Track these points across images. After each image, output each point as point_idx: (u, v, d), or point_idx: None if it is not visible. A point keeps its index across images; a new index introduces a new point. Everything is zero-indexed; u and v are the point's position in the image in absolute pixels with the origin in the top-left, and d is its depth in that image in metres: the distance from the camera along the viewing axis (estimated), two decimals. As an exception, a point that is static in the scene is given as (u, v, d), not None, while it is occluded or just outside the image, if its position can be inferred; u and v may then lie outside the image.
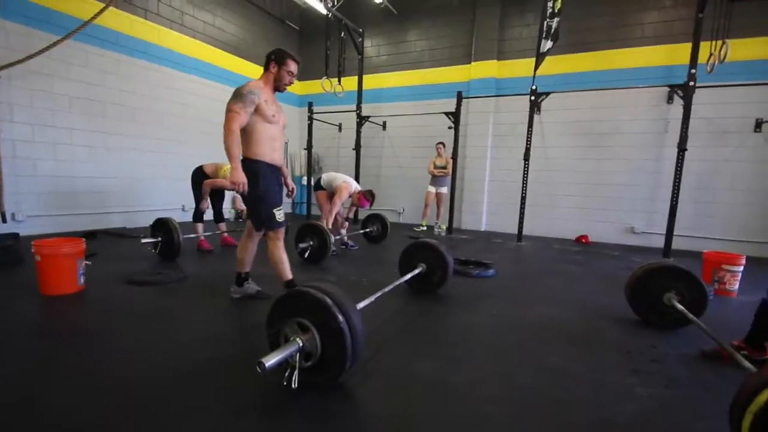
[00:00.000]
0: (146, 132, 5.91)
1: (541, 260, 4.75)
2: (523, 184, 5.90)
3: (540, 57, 5.37)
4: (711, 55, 4.34)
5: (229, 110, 2.30)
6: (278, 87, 2.49)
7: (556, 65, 6.44)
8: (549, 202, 6.75)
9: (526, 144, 5.78)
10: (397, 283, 2.62)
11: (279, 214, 2.48)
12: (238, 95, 2.31)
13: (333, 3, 6.19)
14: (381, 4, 7.23)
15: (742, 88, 5.25)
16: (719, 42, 4.25)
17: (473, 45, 7.11)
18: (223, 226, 4.72)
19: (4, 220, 4.41)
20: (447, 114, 6.45)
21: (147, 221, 5.80)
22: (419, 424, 1.45)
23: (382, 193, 8.21)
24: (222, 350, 1.96)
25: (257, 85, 2.39)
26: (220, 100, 6.95)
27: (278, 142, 2.51)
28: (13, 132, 4.52)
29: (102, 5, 4.47)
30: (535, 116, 6.49)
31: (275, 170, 2.54)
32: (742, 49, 5.46)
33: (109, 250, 4.18)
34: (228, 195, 4.65)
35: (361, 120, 7.20)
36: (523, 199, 5.93)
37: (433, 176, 6.60)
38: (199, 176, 4.36)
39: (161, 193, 6.13)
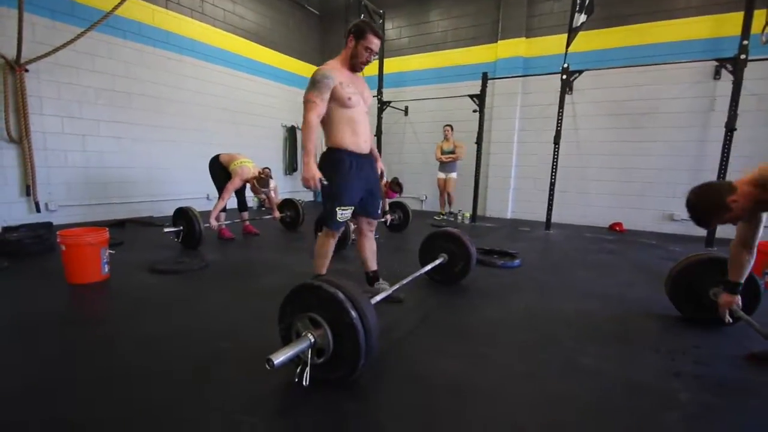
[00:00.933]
0: (170, 122, 5.98)
1: (571, 250, 4.52)
2: (553, 169, 5.61)
3: (573, 32, 5.02)
4: (766, 24, 3.91)
5: (306, 101, 2.08)
6: (354, 65, 2.17)
7: (589, 41, 6.02)
8: (580, 188, 6.42)
9: (557, 126, 5.47)
10: (416, 275, 2.52)
11: (341, 213, 2.23)
12: (313, 82, 2.07)
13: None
14: (402, -17, 6.95)
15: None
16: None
17: (500, 22, 6.75)
18: (245, 214, 4.74)
19: (38, 210, 4.59)
20: (471, 97, 6.18)
21: (173, 210, 5.95)
22: (439, 428, 1.35)
23: (404, 180, 8.02)
24: (239, 342, 1.93)
25: (332, 66, 2.13)
26: (241, 88, 7.05)
27: (361, 125, 2.23)
28: (44, 124, 4.66)
29: (123, -5, 4.49)
30: (567, 97, 6.14)
31: (361, 159, 2.27)
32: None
33: (136, 239, 4.28)
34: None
35: (383, 105, 7.03)
36: (552, 185, 5.65)
37: (441, 162, 6.29)
38: (215, 166, 4.36)
39: (186, 182, 6.23)
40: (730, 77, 4.56)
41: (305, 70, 8.53)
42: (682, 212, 5.69)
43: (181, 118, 6.14)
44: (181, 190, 6.17)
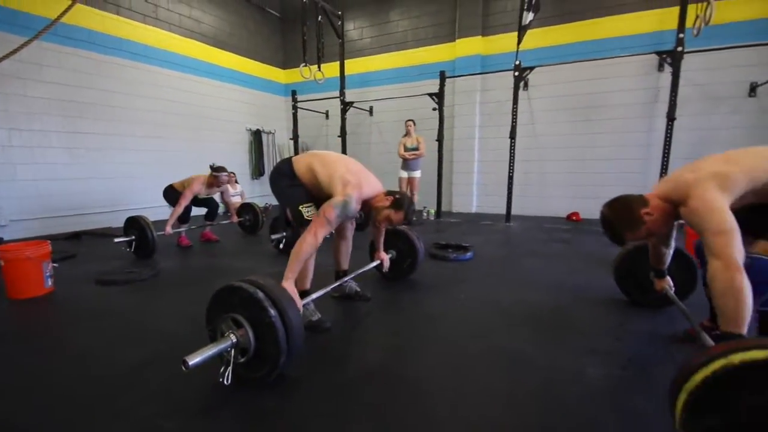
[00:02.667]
0: (126, 130, 5.87)
1: (526, 240, 4.68)
2: (510, 163, 5.77)
3: (522, 30, 5.17)
4: (697, 17, 4.14)
5: (324, 216, 1.93)
6: (369, 219, 2.32)
7: (541, 38, 6.23)
8: (539, 181, 6.63)
9: (512, 122, 5.63)
10: (359, 271, 2.58)
11: (307, 211, 2.15)
12: (345, 210, 1.97)
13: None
14: (360, -16, 7.00)
15: (735, 51, 5.02)
16: (704, 3, 4.03)
17: (457, 21, 6.89)
18: (184, 227, 4.53)
19: (-13, 226, 4.45)
20: (431, 95, 6.29)
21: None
22: (358, 420, 1.42)
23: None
24: (174, 347, 1.95)
25: (358, 208, 2.10)
26: (200, 93, 6.97)
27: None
28: (-11, 137, 4.52)
29: (68, 3, 4.39)
30: (523, 92, 6.33)
31: None
32: (732, 9, 5.23)
33: (90, 251, 4.20)
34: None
35: (345, 106, 7.07)
36: (511, 178, 5.81)
37: (405, 160, 5.92)
38: (170, 194, 4.31)
39: (146, 190, 6.12)
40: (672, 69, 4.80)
41: (268, 72, 8.50)
42: (635, 200, 5.96)
43: (139, 126, 6.03)
44: (142, 199, 6.07)
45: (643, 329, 2.13)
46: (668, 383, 1.60)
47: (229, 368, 1.50)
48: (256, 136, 8.13)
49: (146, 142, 6.15)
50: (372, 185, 2.20)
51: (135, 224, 3.77)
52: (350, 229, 2.53)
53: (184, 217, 4.34)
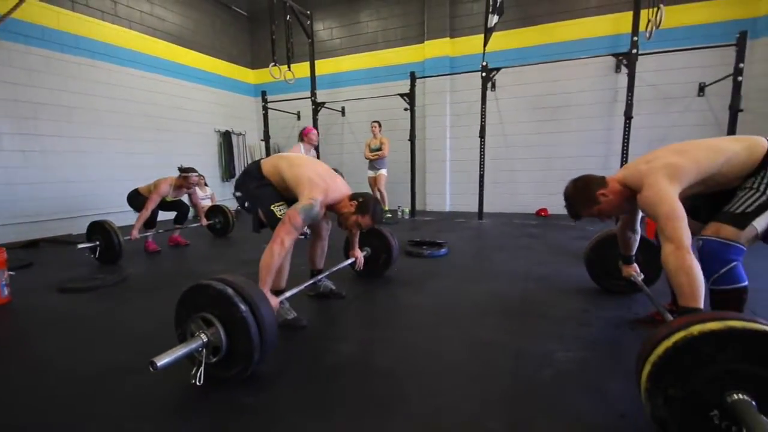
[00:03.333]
0: (85, 131, 5.59)
1: (497, 236, 4.81)
2: (481, 161, 5.92)
3: (488, 32, 5.32)
4: (649, 21, 4.40)
5: (290, 222, 1.89)
6: (341, 223, 2.26)
7: (506, 41, 6.43)
8: (509, 178, 6.83)
9: (481, 121, 5.78)
10: (334, 269, 2.59)
11: (279, 211, 2.10)
12: (310, 214, 1.95)
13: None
14: (329, -16, 6.99)
15: (685, 53, 5.35)
16: (656, 8, 4.30)
17: (425, 24, 7.01)
18: (178, 228, 4.52)
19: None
20: (402, 95, 6.36)
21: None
22: (334, 410, 1.43)
23: (346, 180, 8.09)
24: (141, 353, 1.88)
25: (322, 211, 2.11)
26: (165, 92, 6.75)
27: None
28: (-69, 140, 4.20)
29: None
30: (491, 93, 6.52)
31: None
32: (683, 14, 5.59)
33: (50, 259, 3.99)
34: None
35: (317, 107, 7.04)
36: (482, 177, 5.96)
37: (369, 160, 6.15)
38: (136, 200, 4.15)
39: (109, 195, 5.86)
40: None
41: (236, 72, 8.32)
42: (598, 195, 6.26)
43: (99, 127, 5.77)
44: (106, 204, 5.80)
45: (608, 314, 2.25)
46: (631, 363, 1.71)
47: (201, 368, 1.47)
48: (226, 137, 7.95)
49: (107, 144, 5.88)
50: (338, 189, 2.19)
51: (99, 229, 3.61)
52: (326, 229, 2.52)
53: (151, 222, 4.18)
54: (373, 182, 6.25)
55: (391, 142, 6.43)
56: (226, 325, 1.48)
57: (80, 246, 3.59)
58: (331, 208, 2.21)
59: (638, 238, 2.22)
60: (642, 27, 4.78)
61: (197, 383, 1.45)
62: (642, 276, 2.27)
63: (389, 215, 6.26)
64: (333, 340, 2.03)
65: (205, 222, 4.85)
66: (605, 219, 1.91)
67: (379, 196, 6.24)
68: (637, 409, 1.38)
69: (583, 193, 1.85)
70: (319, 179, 2.07)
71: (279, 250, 1.86)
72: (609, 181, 1.83)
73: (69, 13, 5.38)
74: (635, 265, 2.29)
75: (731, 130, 4.71)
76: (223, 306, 1.48)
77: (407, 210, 6.69)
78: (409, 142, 6.44)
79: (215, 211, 5.16)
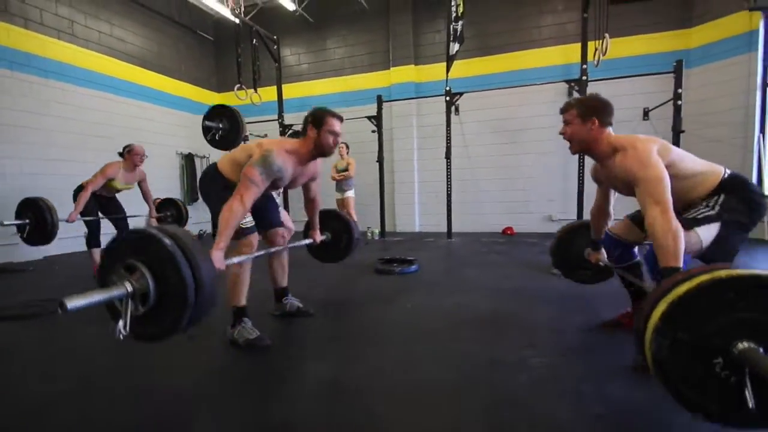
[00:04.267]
0: (35, 153, 5.24)
1: (466, 254, 4.86)
2: (447, 182, 6.05)
3: (450, 59, 5.58)
4: (596, 50, 4.76)
5: (249, 178, 1.81)
6: (322, 152, 2.02)
7: (468, 68, 6.75)
8: (475, 198, 7.00)
9: (447, 143, 5.95)
10: (291, 245, 2.40)
11: (242, 222, 1.96)
12: (265, 163, 1.84)
13: (240, 11, 5.99)
14: (296, 12, 7.15)
15: (630, 80, 5.81)
16: (602, 39, 4.68)
17: (390, 51, 7.26)
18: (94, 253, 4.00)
19: None
20: (369, 118, 6.46)
21: (41, 253, 5.16)
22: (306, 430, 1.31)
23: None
24: (91, 382, 1.69)
25: (286, 159, 1.93)
26: (123, 114, 6.50)
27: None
28: None
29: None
30: (455, 117, 6.75)
31: None
32: (627, 46, 6.11)
33: (-19, 289, 3.59)
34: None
35: (284, 129, 7.00)
36: (449, 197, 6.07)
37: (336, 181, 6.03)
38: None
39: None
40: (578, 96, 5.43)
41: (201, 95, 8.19)
42: (559, 213, 6.52)
43: (48, 148, 5.42)
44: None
45: (577, 321, 2.27)
46: (603, 365, 1.72)
47: (127, 317, 1.24)
48: (189, 159, 7.71)
49: (58, 166, 5.52)
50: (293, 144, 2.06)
51: (31, 206, 3.31)
52: (280, 239, 2.32)
53: (95, 238, 3.79)
54: (341, 204, 6.16)
55: (361, 164, 6.45)
56: (152, 268, 1.27)
57: (7, 223, 3.27)
58: (299, 157, 2.01)
59: (609, 223, 2.21)
60: (590, 57, 5.17)
61: (121, 336, 1.25)
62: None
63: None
64: (299, 359, 1.91)
65: (155, 214, 4.41)
66: (570, 139, 1.84)
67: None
68: (612, 409, 1.37)
69: (591, 108, 1.76)
70: (270, 142, 2.00)
71: (237, 206, 1.76)
72: (606, 131, 1.77)
73: (21, 31, 5.14)
74: (603, 250, 2.28)
75: (674, 150, 5.09)
76: (148, 248, 1.28)
77: (377, 231, 6.66)
78: (377, 164, 6.49)
79: (166, 204, 4.75)
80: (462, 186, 6.83)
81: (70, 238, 5.58)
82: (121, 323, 1.25)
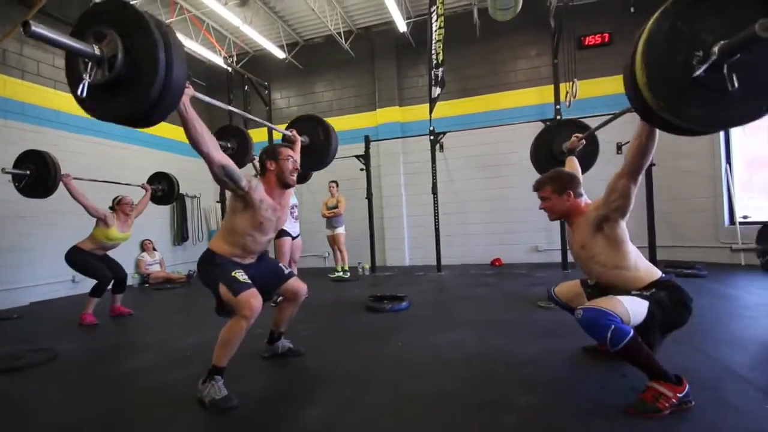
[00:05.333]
0: (24, 199, 5.24)
1: (456, 287, 4.93)
2: (435, 216, 6.21)
3: (432, 102, 5.91)
4: (567, 93, 5.11)
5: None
6: (285, 182, 2.13)
7: (451, 108, 7.11)
8: (463, 231, 7.16)
9: (432, 179, 6.17)
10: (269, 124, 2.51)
11: (242, 276, 1.99)
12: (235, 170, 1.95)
13: (233, 60, 6.31)
14: (285, 59, 7.53)
15: (602, 118, 6.17)
16: (571, 82, 5.05)
17: (376, 93, 7.63)
18: (120, 297, 4.16)
19: None
20: (358, 157, 6.69)
21: (27, 299, 5.09)
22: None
23: (306, 239, 8.06)
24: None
25: (264, 192, 2.06)
26: (116, 158, 6.60)
27: (254, 254, 2.19)
28: None
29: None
30: (440, 153, 7.03)
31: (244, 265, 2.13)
32: (598, 87, 6.53)
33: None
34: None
35: (275, 169, 7.18)
36: (437, 230, 6.22)
37: (326, 218, 6.23)
38: (75, 256, 3.84)
39: (44, 265, 5.40)
40: (554, 133, 5.74)
41: (194, 138, 8.38)
42: (545, 243, 6.70)
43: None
44: (39, 275, 5.33)
45: (561, 353, 2.35)
46: (586, 399, 1.79)
47: (85, 81, 1.25)
48: (179, 200, 7.76)
49: (46, 211, 5.52)
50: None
51: (35, 158, 3.31)
52: (296, 295, 2.36)
53: (101, 290, 3.86)
54: (332, 241, 6.28)
55: (350, 201, 6.61)
56: (123, 37, 1.25)
57: (7, 170, 3.26)
58: (273, 196, 2.12)
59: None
60: (562, 98, 5.54)
61: (82, 95, 1.27)
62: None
63: (345, 275, 6.15)
64: (291, 404, 1.93)
65: (148, 188, 4.49)
66: (550, 212, 2.08)
67: (339, 255, 6.23)
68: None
69: (564, 183, 2.02)
70: None
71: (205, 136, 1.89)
72: (579, 200, 2.02)
73: (17, 81, 5.31)
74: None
75: (648, 182, 5.36)
76: (120, 17, 1.27)
77: (367, 266, 6.71)
78: (366, 200, 6.65)
79: (158, 176, 4.75)
80: (450, 219, 7.01)
81: (57, 283, 5.53)
82: (84, 83, 1.24)
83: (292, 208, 4.30)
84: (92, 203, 3.82)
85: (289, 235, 4.15)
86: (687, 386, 1.62)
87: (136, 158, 6.97)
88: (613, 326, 1.59)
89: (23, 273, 5.20)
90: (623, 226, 1.82)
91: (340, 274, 6.08)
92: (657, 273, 1.84)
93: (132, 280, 6.50)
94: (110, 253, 4.14)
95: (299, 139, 2.70)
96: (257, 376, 2.11)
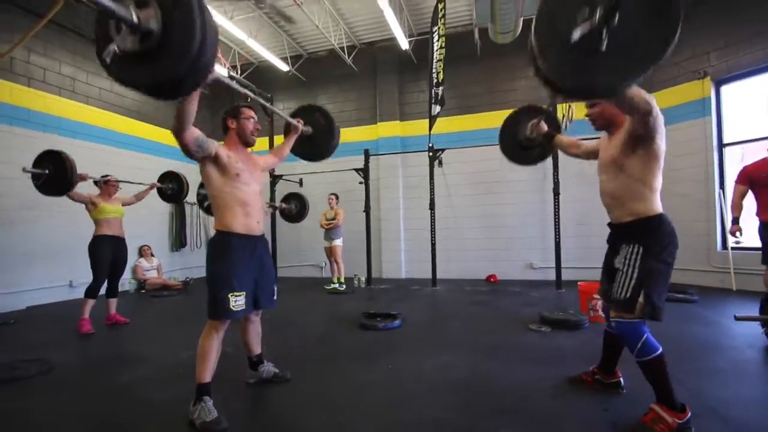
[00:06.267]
0: (24, 203, 5.31)
1: (449, 304, 4.98)
2: (432, 231, 6.27)
3: (432, 119, 6.00)
4: (564, 116, 5.20)
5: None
6: (246, 139, 2.24)
7: (451, 124, 7.21)
8: (459, 246, 7.21)
9: (430, 195, 6.24)
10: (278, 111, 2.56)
11: (235, 301, 2.01)
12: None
13: (237, 70, 6.41)
14: (289, 72, 7.64)
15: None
16: (568, 105, 5.13)
17: (378, 107, 7.74)
18: (114, 302, 4.26)
19: None
20: (357, 170, 6.77)
21: (24, 303, 5.12)
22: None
23: (305, 248, 8.15)
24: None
25: (227, 149, 2.17)
26: (119, 165, 6.68)
27: (254, 207, 2.18)
28: None
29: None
30: (439, 169, 7.10)
31: (251, 241, 2.16)
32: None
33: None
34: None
35: (275, 179, 7.26)
36: (433, 246, 6.28)
37: (325, 229, 6.37)
38: (93, 243, 4.06)
39: (42, 269, 5.45)
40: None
41: (196, 145, 8.47)
42: (540, 261, 6.74)
43: (38, 198, 5.48)
44: (35, 279, 5.37)
45: (547, 381, 2.39)
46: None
47: (113, 47, 1.19)
48: (179, 206, 7.83)
49: (46, 215, 5.59)
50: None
51: (54, 158, 3.55)
52: (256, 313, 2.38)
53: (96, 290, 3.98)
54: (329, 252, 6.38)
55: (349, 212, 6.70)
56: (164, 10, 1.21)
57: (27, 169, 3.49)
58: (238, 153, 2.20)
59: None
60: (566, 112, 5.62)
61: (107, 61, 1.23)
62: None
63: (341, 287, 6.19)
64: (284, 427, 1.98)
65: (157, 185, 4.71)
66: (598, 117, 2.04)
67: (335, 267, 6.29)
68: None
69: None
70: None
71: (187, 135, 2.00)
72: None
73: (23, 89, 5.40)
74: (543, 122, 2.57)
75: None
76: None
77: (363, 279, 6.75)
78: (364, 213, 6.72)
79: (168, 176, 4.91)
80: (447, 234, 7.07)
81: (55, 287, 5.58)
82: (113, 46, 1.19)
83: None
84: (76, 191, 3.96)
85: None
86: (689, 414, 1.74)
87: (139, 164, 7.05)
88: (644, 338, 1.79)
89: (20, 276, 5.25)
90: (660, 144, 1.79)
91: (336, 286, 6.12)
92: (658, 209, 1.88)
93: (129, 285, 6.55)
94: None
95: (300, 128, 2.72)
96: (245, 400, 2.15)
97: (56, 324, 4.29)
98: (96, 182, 4.21)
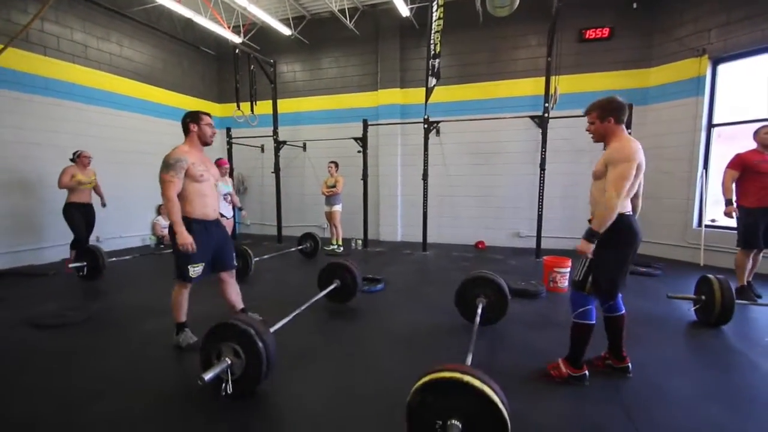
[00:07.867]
0: (44, 168, 5.79)
1: (433, 269, 5.51)
2: (424, 200, 6.68)
3: (429, 91, 6.16)
4: (550, 96, 5.35)
5: (163, 181, 2.56)
6: (205, 141, 2.82)
7: (449, 93, 7.33)
8: (452, 213, 7.64)
9: (424, 166, 6.57)
10: (313, 300, 3.29)
11: (193, 270, 2.67)
12: (168, 165, 2.56)
13: (241, 31, 6.53)
14: (291, 35, 7.69)
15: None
16: (555, 86, 5.27)
17: (378, 74, 7.83)
18: (73, 254, 5.10)
19: None
20: (356, 139, 7.06)
21: (56, 256, 5.81)
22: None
23: (307, 210, 8.68)
24: (115, 398, 2.34)
25: (183, 151, 2.66)
26: (131, 128, 7.10)
27: (209, 198, 2.76)
28: None
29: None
30: (436, 138, 7.36)
31: (208, 224, 2.76)
32: (593, 81, 6.67)
33: (18, 292, 4.24)
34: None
35: (279, 145, 7.61)
36: (425, 214, 6.71)
37: (325, 195, 6.73)
38: (65, 210, 5.07)
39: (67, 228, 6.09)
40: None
41: (203, 107, 8.73)
42: (526, 230, 7.16)
43: (60, 162, 5.99)
44: (65, 235, 6.01)
45: (485, 338, 2.92)
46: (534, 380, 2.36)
47: (229, 382, 2.10)
48: (190, 168, 8.29)
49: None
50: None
51: (89, 254, 4.62)
52: (229, 275, 2.98)
53: (79, 243, 5.07)
54: (329, 217, 6.88)
55: (349, 178, 7.12)
56: (247, 354, 2.11)
57: (72, 266, 4.56)
58: (199, 152, 2.79)
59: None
60: (553, 91, 5.75)
61: (227, 393, 2.09)
62: None
63: (338, 249, 6.75)
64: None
65: (104, 201, 5.54)
66: (592, 134, 2.40)
67: (334, 231, 6.82)
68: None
69: (608, 110, 2.27)
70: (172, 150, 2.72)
71: (168, 201, 2.58)
72: (620, 126, 2.29)
73: (41, 57, 5.71)
74: None
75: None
76: (245, 341, 2.12)
77: (360, 241, 7.30)
78: (362, 181, 7.10)
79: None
80: (441, 201, 7.48)
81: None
82: (226, 385, 2.08)
83: (226, 195, 5.00)
84: (64, 182, 4.99)
85: (224, 216, 4.92)
86: (584, 372, 2.31)
87: (149, 127, 7.46)
88: (587, 308, 2.27)
89: (51, 232, 5.88)
90: (630, 171, 2.14)
91: (334, 248, 6.70)
92: (625, 209, 2.21)
93: (150, 241, 7.21)
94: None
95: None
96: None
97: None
98: (72, 159, 5.09)
